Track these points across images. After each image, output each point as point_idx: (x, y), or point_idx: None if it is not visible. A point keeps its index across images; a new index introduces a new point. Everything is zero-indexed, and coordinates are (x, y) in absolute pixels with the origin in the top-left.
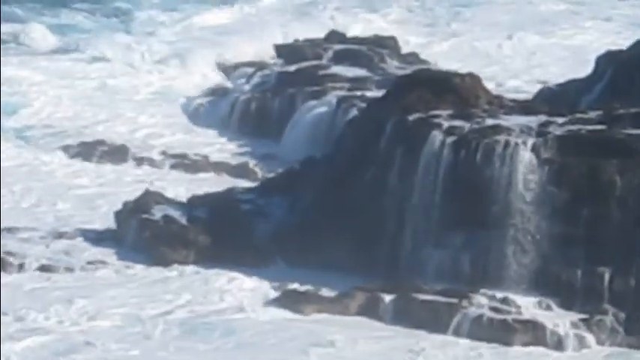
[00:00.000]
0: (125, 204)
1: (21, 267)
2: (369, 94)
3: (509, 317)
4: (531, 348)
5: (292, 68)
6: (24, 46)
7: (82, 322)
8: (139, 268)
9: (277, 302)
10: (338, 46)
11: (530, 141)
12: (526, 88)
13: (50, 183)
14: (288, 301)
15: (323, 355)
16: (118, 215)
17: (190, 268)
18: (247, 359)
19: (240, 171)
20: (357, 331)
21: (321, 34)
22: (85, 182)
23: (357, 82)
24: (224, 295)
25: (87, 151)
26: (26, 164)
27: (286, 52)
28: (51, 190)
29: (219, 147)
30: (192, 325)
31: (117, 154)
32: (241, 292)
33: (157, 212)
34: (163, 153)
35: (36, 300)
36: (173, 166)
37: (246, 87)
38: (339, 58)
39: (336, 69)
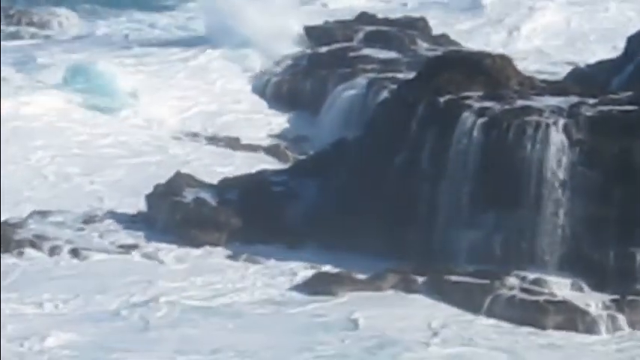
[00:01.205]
0: (156, 187)
1: (53, 250)
2: (399, 75)
3: (541, 298)
4: (563, 329)
5: (323, 50)
6: None
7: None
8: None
9: (309, 284)
10: (368, 28)
11: (562, 122)
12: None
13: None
14: (320, 283)
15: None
16: (149, 198)
17: (221, 250)
18: (276, 341)
19: (272, 153)
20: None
21: None
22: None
23: (387, 64)
24: (255, 278)
25: None
26: None
27: (316, 33)
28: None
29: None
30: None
31: None
32: (272, 274)
33: (188, 195)
34: (196, 135)
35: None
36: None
37: (278, 69)
38: (370, 39)
39: (367, 51)
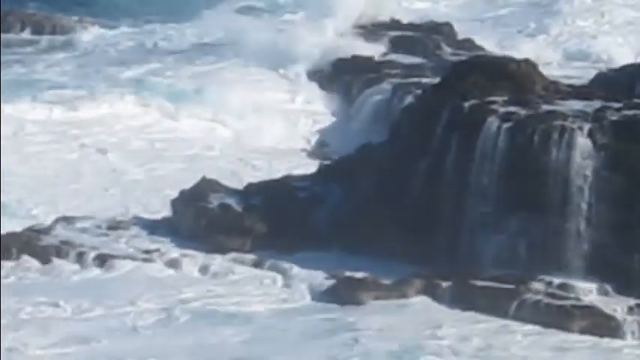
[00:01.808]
0: (181, 192)
1: (79, 257)
2: (424, 80)
3: (567, 303)
4: (589, 333)
5: (348, 55)
6: None
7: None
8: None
9: (334, 289)
10: (393, 33)
11: (587, 126)
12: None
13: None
14: (345, 288)
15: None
16: (174, 203)
17: (247, 257)
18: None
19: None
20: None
21: None
22: None
23: (412, 69)
24: (279, 285)
25: None
26: None
27: None
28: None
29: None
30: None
31: None
32: (297, 280)
33: (213, 200)
34: None
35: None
36: None
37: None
38: (395, 45)
39: (392, 56)
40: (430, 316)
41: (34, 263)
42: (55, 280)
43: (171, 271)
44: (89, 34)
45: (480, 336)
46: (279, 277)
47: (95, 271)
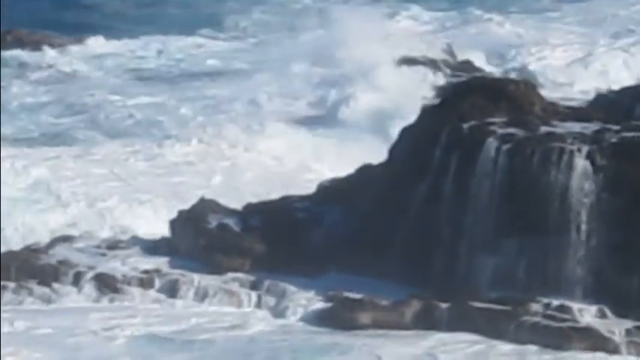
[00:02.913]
0: (180, 212)
1: (76, 277)
2: None
3: (565, 325)
4: (588, 355)
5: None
6: None
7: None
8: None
9: (332, 310)
10: None
11: (585, 148)
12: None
13: None
14: (343, 309)
15: None
16: (173, 224)
17: (245, 277)
18: None
19: None
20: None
21: None
22: None
23: None
24: (278, 303)
25: None
26: None
27: None
28: None
29: None
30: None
31: None
32: (294, 301)
33: (212, 220)
34: None
35: None
36: None
37: None
38: None
39: None
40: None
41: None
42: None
43: (166, 293)
44: None
45: None
46: (274, 300)
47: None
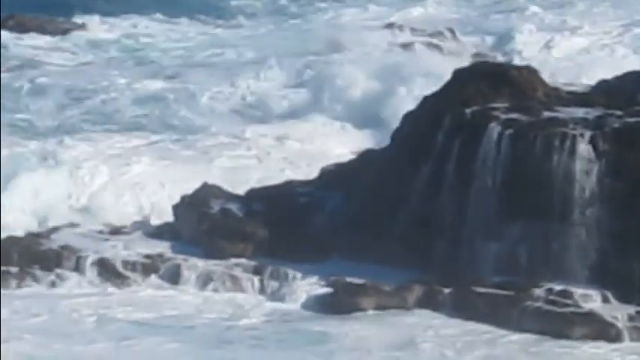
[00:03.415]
0: (183, 197)
1: (78, 262)
2: None
3: (567, 310)
4: (590, 340)
5: None
6: None
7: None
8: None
9: (334, 295)
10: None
11: (588, 133)
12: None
13: None
14: (345, 294)
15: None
16: (176, 209)
17: (248, 263)
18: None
19: None
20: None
21: None
22: None
23: None
24: (281, 289)
25: None
26: None
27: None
28: None
29: None
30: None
31: None
32: (298, 285)
33: (215, 205)
34: None
35: None
36: None
37: None
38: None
39: None
40: (426, 325)
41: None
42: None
43: (169, 279)
44: None
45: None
46: (277, 285)
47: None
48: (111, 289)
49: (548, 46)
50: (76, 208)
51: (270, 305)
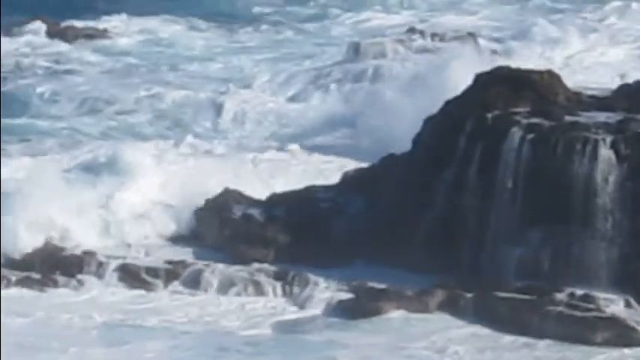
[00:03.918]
0: (206, 202)
1: (100, 268)
2: None
3: (589, 314)
4: (612, 345)
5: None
6: None
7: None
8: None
9: (356, 300)
10: (418, 42)
11: (609, 138)
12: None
13: None
14: (368, 299)
15: None
16: (198, 213)
17: (270, 268)
18: None
19: None
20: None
21: None
22: None
23: None
24: (303, 295)
25: None
26: None
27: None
28: None
29: None
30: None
31: None
32: (320, 290)
33: (237, 211)
34: None
35: None
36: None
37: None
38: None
39: None
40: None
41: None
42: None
43: (190, 286)
44: None
45: None
46: (298, 290)
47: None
48: (132, 293)
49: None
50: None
51: (291, 310)
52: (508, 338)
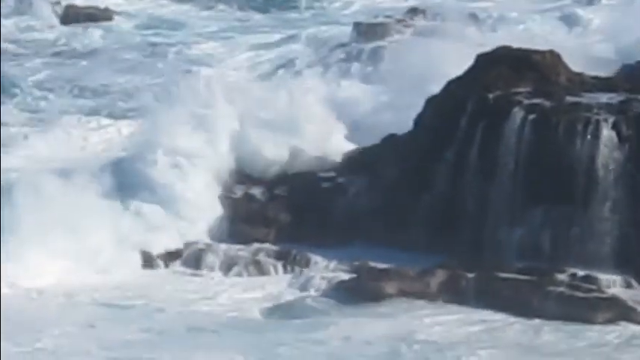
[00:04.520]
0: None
1: None
2: None
3: (591, 295)
4: (613, 325)
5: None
6: None
7: None
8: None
9: (356, 280)
10: (420, 22)
11: (611, 118)
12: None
13: None
14: (369, 279)
15: None
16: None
17: (271, 247)
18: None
19: None
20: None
21: None
22: None
23: None
24: (303, 274)
25: None
26: None
27: (366, 29)
28: None
29: None
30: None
31: None
32: (320, 270)
33: (238, 190)
34: None
35: None
36: None
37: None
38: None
39: None
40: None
41: None
42: None
43: (190, 265)
44: None
45: None
46: (299, 269)
47: None
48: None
49: None
50: None
51: (292, 289)
52: (509, 319)
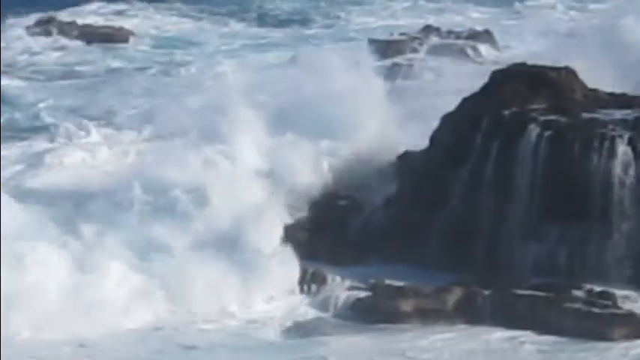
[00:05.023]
0: None
1: None
2: None
3: (607, 311)
4: (631, 341)
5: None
6: None
7: None
8: None
9: (373, 298)
10: (434, 40)
11: (627, 134)
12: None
13: None
14: (385, 297)
15: None
16: None
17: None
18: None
19: None
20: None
21: None
22: None
23: None
24: (319, 291)
25: None
26: None
27: (381, 46)
28: None
29: None
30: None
31: None
32: (335, 287)
33: None
34: None
35: None
36: None
37: None
38: (435, 52)
39: (432, 63)
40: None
41: None
42: None
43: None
44: None
45: None
46: (316, 287)
47: None
48: None
49: None
50: None
51: (307, 307)
52: (526, 335)
